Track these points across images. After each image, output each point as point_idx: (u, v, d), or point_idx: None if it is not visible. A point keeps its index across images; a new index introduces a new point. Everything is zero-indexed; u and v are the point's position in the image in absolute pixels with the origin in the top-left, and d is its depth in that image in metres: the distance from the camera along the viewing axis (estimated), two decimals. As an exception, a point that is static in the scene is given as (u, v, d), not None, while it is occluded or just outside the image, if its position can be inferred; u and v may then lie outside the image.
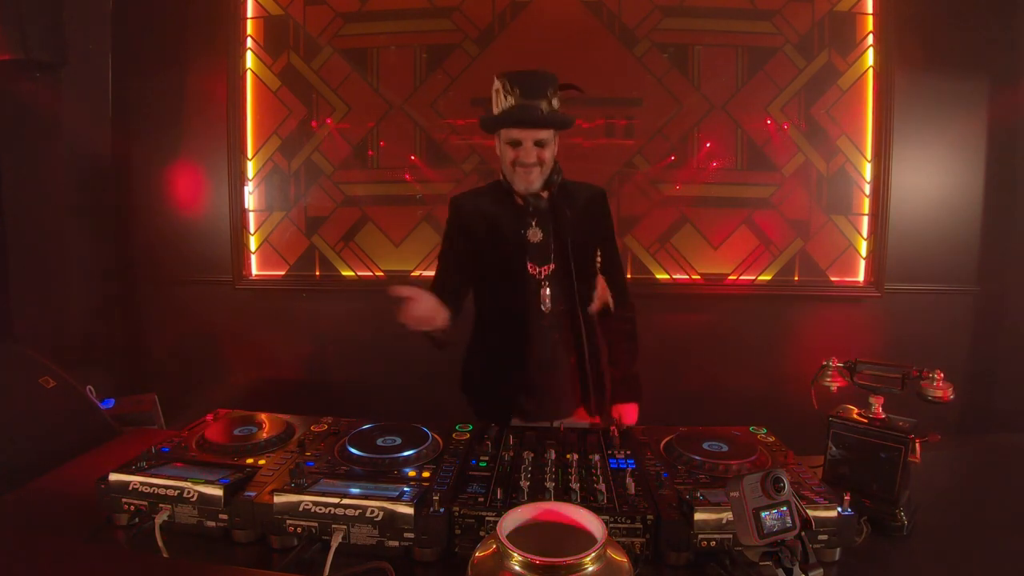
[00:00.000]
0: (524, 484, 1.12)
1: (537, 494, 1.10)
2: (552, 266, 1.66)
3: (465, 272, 1.76)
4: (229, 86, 3.02)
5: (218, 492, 1.08)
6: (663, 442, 1.35)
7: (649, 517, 1.04)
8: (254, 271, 3.17)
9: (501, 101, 1.57)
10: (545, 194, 1.64)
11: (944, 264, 2.92)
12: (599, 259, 1.70)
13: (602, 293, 1.71)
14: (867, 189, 2.93)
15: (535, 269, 1.66)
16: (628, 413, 1.77)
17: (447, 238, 1.80)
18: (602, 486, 1.11)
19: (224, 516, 1.08)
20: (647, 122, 2.95)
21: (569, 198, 1.69)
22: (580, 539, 0.82)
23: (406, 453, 1.26)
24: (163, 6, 3.09)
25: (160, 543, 1.05)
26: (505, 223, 1.68)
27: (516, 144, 1.57)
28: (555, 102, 1.57)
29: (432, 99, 2.99)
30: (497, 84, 1.57)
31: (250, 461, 1.24)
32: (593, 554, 0.76)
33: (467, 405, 1.87)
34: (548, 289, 1.66)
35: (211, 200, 3.12)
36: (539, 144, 1.57)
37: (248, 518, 1.08)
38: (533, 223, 1.66)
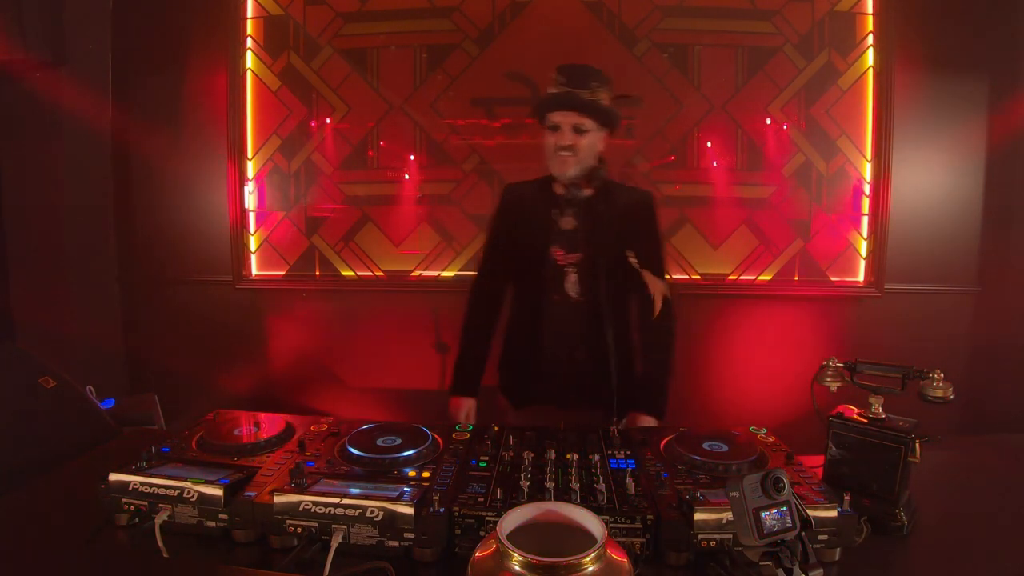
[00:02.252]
0: (524, 484, 1.12)
1: (537, 494, 1.10)
2: (580, 255, 1.69)
3: (504, 256, 1.84)
4: (229, 86, 3.03)
5: (218, 492, 1.07)
6: (663, 442, 1.35)
7: (649, 517, 1.04)
8: (254, 271, 3.17)
9: (550, 88, 1.65)
10: (588, 190, 1.69)
11: (944, 264, 2.92)
12: (634, 259, 1.69)
13: (656, 292, 1.70)
14: (867, 189, 2.92)
15: (562, 256, 1.70)
16: (643, 423, 1.71)
17: (491, 222, 1.88)
18: (602, 486, 1.11)
19: (224, 516, 1.08)
20: (647, 122, 2.95)
21: (611, 196, 1.73)
22: (580, 539, 0.82)
23: (406, 453, 1.25)
24: (163, 6, 3.09)
25: (160, 543, 1.05)
26: (540, 208, 1.74)
27: (555, 128, 1.64)
28: (600, 94, 1.62)
29: (432, 99, 2.99)
30: (553, 76, 1.66)
31: (250, 461, 1.24)
32: (593, 554, 0.76)
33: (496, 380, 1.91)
34: (575, 276, 1.69)
35: (211, 200, 3.12)
36: (577, 130, 1.62)
37: (248, 518, 1.08)
38: (568, 211, 1.70)
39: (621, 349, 1.72)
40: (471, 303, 1.88)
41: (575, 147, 1.62)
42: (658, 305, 1.70)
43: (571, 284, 1.70)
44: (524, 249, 1.75)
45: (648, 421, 1.71)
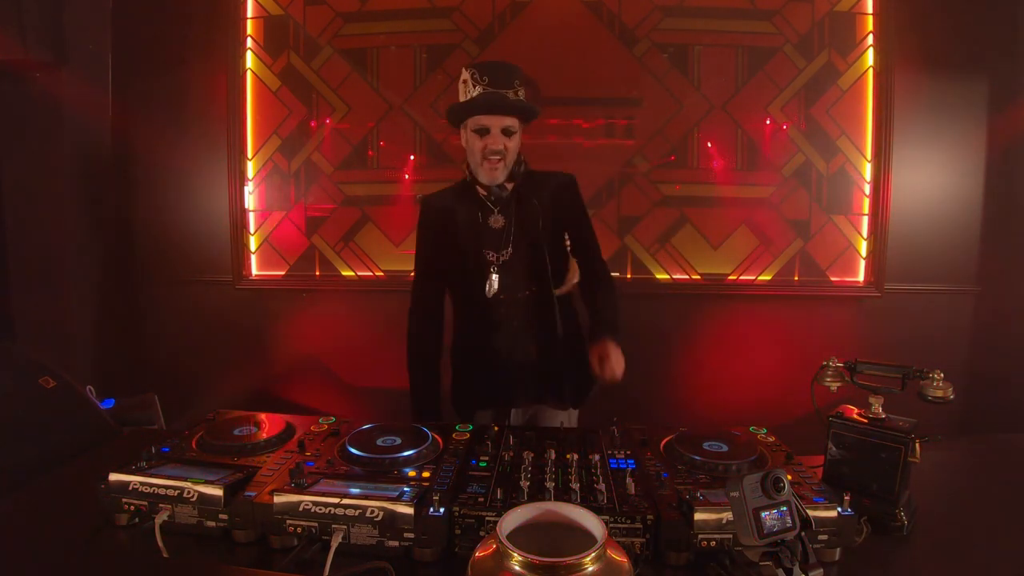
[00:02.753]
0: (524, 484, 1.12)
1: (537, 494, 1.10)
2: (509, 251, 1.67)
3: (438, 268, 1.79)
4: (229, 86, 3.03)
5: (218, 492, 1.07)
6: (663, 442, 1.35)
7: (649, 517, 1.04)
8: (254, 271, 3.17)
9: (469, 90, 1.60)
10: (509, 185, 1.68)
11: (944, 264, 2.92)
12: (568, 243, 1.69)
13: (570, 277, 1.71)
14: (867, 189, 2.93)
15: (492, 256, 1.68)
16: (606, 352, 1.61)
17: (418, 239, 1.81)
18: (602, 486, 1.11)
19: (224, 516, 1.08)
20: (647, 122, 2.95)
21: (535, 186, 1.71)
22: (580, 539, 0.82)
23: (406, 453, 1.25)
24: (163, 6, 3.09)
25: (160, 543, 1.05)
26: (467, 213, 1.71)
27: (484, 132, 1.61)
28: (521, 92, 1.62)
29: (432, 99, 2.99)
30: (465, 75, 1.61)
31: (250, 461, 1.24)
32: (593, 554, 0.76)
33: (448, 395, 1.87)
34: (496, 275, 1.66)
35: (211, 200, 3.12)
36: (506, 132, 1.61)
37: (248, 518, 1.08)
38: (496, 211, 1.69)
39: (571, 334, 1.72)
40: (412, 329, 1.81)
41: (506, 150, 1.61)
42: (567, 288, 1.70)
43: (511, 282, 1.68)
44: (457, 257, 1.71)
45: (608, 348, 1.61)
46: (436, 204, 1.77)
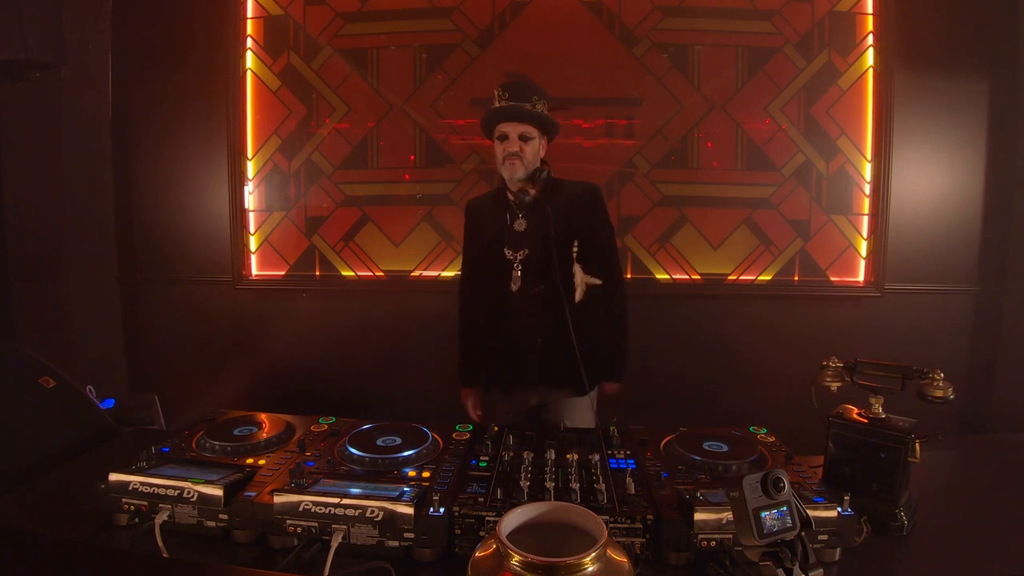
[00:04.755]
0: (524, 484, 1.12)
1: (537, 494, 1.10)
2: (526, 251, 1.89)
3: (474, 261, 2.09)
4: (229, 86, 3.03)
5: (218, 492, 1.08)
6: (663, 442, 1.35)
7: (649, 517, 1.04)
8: (254, 271, 3.17)
9: (495, 105, 1.88)
10: (533, 191, 1.89)
11: (944, 264, 2.92)
12: (575, 248, 1.86)
13: (578, 282, 1.87)
14: (867, 189, 2.93)
15: (511, 254, 1.91)
16: (609, 390, 2.01)
17: (464, 237, 2.12)
18: (602, 486, 1.11)
19: (224, 516, 1.08)
20: (647, 122, 2.95)
21: (557, 194, 1.91)
22: (580, 539, 0.82)
23: (406, 453, 1.26)
24: (163, 6, 3.09)
25: (160, 543, 1.05)
26: (496, 215, 1.97)
27: (504, 138, 1.87)
28: (540, 106, 1.87)
29: (432, 99, 2.99)
30: (494, 93, 1.90)
31: (250, 461, 1.24)
32: (593, 554, 0.76)
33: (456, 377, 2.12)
34: (519, 271, 1.89)
35: (211, 200, 3.12)
36: (523, 138, 1.85)
37: (248, 518, 1.08)
38: (520, 215, 1.91)
39: (581, 331, 1.86)
40: (461, 306, 2.13)
41: (522, 152, 1.85)
42: (579, 294, 1.86)
43: (526, 278, 1.89)
44: (485, 252, 1.98)
45: (613, 387, 2.01)
46: (475, 206, 2.08)
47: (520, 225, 1.91)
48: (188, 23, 3.07)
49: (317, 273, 3.14)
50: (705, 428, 1.39)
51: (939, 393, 1.21)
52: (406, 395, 3.02)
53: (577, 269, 1.86)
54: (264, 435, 1.35)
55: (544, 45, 2.92)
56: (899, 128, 2.84)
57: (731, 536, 1.00)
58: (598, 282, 1.87)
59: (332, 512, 1.03)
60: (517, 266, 1.89)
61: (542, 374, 1.93)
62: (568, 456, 1.24)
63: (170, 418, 2.72)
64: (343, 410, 1.62)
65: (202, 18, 3.05)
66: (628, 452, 1.30)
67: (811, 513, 0.88)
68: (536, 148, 1.88)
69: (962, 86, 2.84)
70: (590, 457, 1.25)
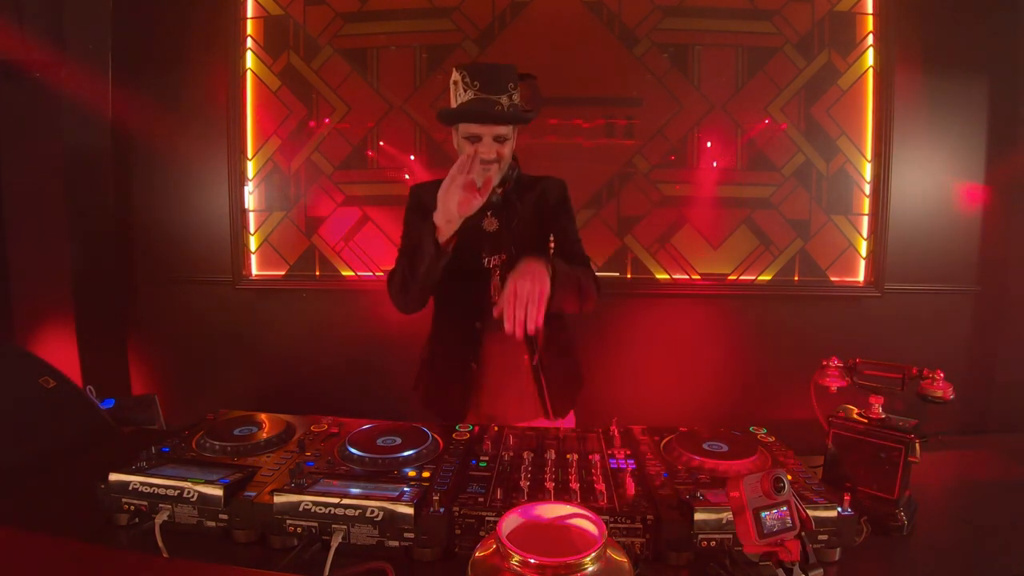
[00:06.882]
0: (524, 484, 1.12)
1: (537, 494, 1.10)
2: (503, 256, 1.60)
3: None
4: (229, 86, 3.03)
5: (218, 492, 1.07)
6: (663, 442, 1.35)
7: (649, 517, 1.04)
8: (254, 271, 3.17)
9: (460, 94, 1.51)
10: (501, 190, 1.61)
11: (944, 264, 2.92)
12: (551, 245, 1.61)
13: None
14: (867, 189, 2.93)
15: (488, 260, 1.61)
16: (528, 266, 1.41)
17: (406, 224, 1.70)
18: (602, 486, 1.11)
19: (224, 516, 1.08)
20: (647, 122, 2.95)
21: (525, 190, 1.66)
22: (580, 539, 0.82)
23: (406, 453, 1.25)
24: (163, 6, 3.09)
25: (160, 543, 1.05)
26: None
27: (475, 139, 1.52)
28: (515, 96, 1.52)
29: (432, 99, 2.99)
30: (456, 76, 1.51)
31: (250, 461, 1.24)
32: (593, 554, 0.76)
33: (420, 405, 1.83)
34: (499, 279, 1.58)
35: (211, 200, 3.12)
36: (499, 140, 1.52)
37: (248, 518, 1.08)
38: (488, 213, 1.61)
39: (560, 338, 1.71)
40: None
41: (499, 157, 1.52)
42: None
43: (496, 285, 1.59)
44: (454, 258, 1.51)
45: (539, 268, 1.40)
46: (429, 196, 1.53)
47: (491, 224, 1.62)
48: (188, 23, 3.07)
49: (317, 273, 3.14)
50: (705, 428, 1.39)
51: (939, 393, 1.20)
52: (406, 395, 3.02)
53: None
54: (264, 435, 1.35)
55: (544, 45, 2.92)
56: (899, 128, 2.84)
57: (731, 536, 1.00)
58: None
59: (332, 512, 1.03)
60: (496, 271, 1.60)
61: (523, 403, 1.68)
62: (568, 456, 1.24)
63: (170, 418, 2.72)
64: (343, 410, 1.61)
65: (202, 18, 3.06)
66: (628, 452, 1.30)
67: (811, 513, 0.88)
68: (513, 145, 1.58)
69: (962, 86, 2.85)
70: (590, 457, 1.25)
